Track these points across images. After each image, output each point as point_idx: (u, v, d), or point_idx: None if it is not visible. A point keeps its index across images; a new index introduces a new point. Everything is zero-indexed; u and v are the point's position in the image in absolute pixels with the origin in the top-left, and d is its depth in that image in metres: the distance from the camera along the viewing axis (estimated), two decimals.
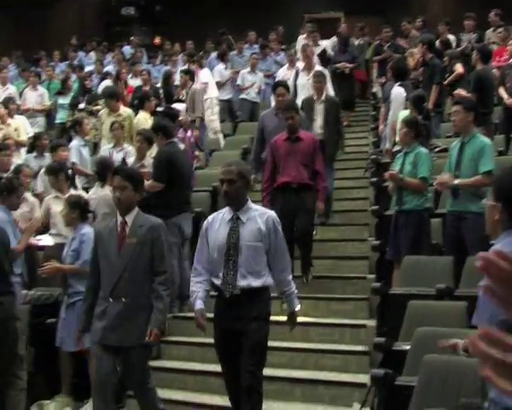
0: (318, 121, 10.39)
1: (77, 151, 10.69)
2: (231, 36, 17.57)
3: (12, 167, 9.52)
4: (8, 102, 12.59)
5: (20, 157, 10.79)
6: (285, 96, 9.90)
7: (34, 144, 10.92)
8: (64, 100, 14.53)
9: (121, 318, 5.75)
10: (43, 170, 9.55)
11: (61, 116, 14.30)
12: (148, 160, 9.39)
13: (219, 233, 5.66)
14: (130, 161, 9.80)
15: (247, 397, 5.57)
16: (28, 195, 8.71)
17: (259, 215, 5.69)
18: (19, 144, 11.32)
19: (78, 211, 7.29)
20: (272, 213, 5.81)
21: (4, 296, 6.28)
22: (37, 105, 14.52)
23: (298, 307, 5.95)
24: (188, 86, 12.59)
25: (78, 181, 10.15)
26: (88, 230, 7.21)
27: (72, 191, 8.56)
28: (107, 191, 8.08)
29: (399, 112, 9.77)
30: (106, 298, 5.83)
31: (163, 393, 7.23)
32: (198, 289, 5.69)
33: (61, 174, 8.68)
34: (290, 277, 5.89)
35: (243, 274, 5.57)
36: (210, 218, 5.86)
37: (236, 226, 5.64)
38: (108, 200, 7.88)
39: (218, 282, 5.63)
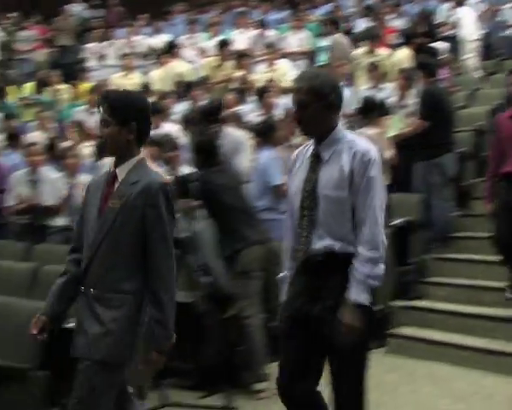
0: None
1: None
2: None
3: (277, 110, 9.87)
4: (271, 46, 12.95)
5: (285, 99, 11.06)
6: None
7: None
8: (325, 42, 14.68)
9: (86, 318, 3.81)
10: None
11: (322, 58, 14.46)
12: (410, 99, 9.32)
13: (297, 176, 3.97)
14: (391, 100, 9.79)
15: None
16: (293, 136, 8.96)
17: (348, 149, 3.81)
18: (282, 88, 11.60)
19: None
20: (366, 147, 3.83)
21: None
22: (298, 48, 14.77)
23: (361, 300, 3.72)
24: None
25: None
26: None
27: None
28: (371, 131, 8.13)
29: None
30: (79, 285, 3.94)
31: (424, 333, 7.29)
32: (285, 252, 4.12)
33: None
34: (370, 252, 3.71)
35: (320, 235, 3.81)
36: (295, 153, 4.14)
37: (316, 167, 3.88)
38: (373, 141, 7.96)
39: (294, 245, 3.99)
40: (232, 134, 8.30)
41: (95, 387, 3.72)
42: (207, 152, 6.62)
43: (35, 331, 3.89)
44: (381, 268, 3.73)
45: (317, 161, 3.87)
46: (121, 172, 3.86)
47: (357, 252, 3.73)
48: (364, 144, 3.85)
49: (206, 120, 8.02)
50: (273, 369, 6.49)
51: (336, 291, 3.75)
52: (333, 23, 13.59)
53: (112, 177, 3.89)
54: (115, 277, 3.79)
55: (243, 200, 6.68)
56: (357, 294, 3.70)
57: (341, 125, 3.95)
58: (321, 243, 3.80)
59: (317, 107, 3.81)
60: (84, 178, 8.77)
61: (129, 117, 3.81)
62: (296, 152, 4.10)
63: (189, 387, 6.58)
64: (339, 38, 12.79)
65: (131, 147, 3.87)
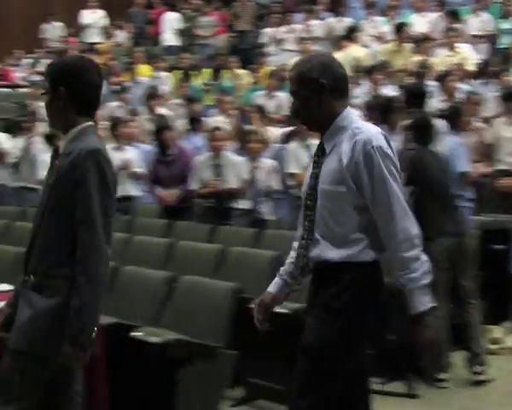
0: None
1: None
2: None
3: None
4: (452, 29, 12.70)
5: (467, 83, 10.86)
6: None
7: (482, 71, 10.97)
8: (507, 25, 14.25)
9: (24, 307, 3.40)
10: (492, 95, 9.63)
11: (505, 41, 14.04)
12: None
13: (308, 173, 3.58)
14: None
15: None
16: (475, 121, 8.80)
17: (350, 137, 3.35)
18: (466, 73, 11.36)
19: None
20: (369, 135, 3.34)
21: None
22: (480, 31, 14.38)
23: (426, 307, 3.32)
24: None
25: None
26: None
27: None
28: None
29: None
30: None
31: None
32: (287, 260, 3.70)
33: None
34: (409, 252, 3.26)
35: (316, 239, 3.39)
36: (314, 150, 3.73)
37: (320, 160, 3.46)
38: None
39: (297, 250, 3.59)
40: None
41: (17, 380, 3.33)
42: (424, 129, 6.54)
43: None
44: (423, 261, 3.29)
45: (322, 154, 3.46)
46: (62, 145, 3.47)
47: (394, 251, 3.29)
48: (368, 131, 3.37)
49: (409, 102, 7.85)
50: (455, 359, 6.47)
51: (321, 299, 3.38)
52: None
53: (55, 151, 3.53)
54: (51, 261, 3.37)
55: (445, 186, 6.51)
56: (420, 302, 3.29)
57: (349, 111, 3.49)
58: (315, 250, 3.40)
59: (307, 93, 3.43)
60: (267, 162, 8.95)
61: (56, 82, 3.44)
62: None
63: (369, 372, 6.57)
64: None
65: (67, 115, 3.45)
